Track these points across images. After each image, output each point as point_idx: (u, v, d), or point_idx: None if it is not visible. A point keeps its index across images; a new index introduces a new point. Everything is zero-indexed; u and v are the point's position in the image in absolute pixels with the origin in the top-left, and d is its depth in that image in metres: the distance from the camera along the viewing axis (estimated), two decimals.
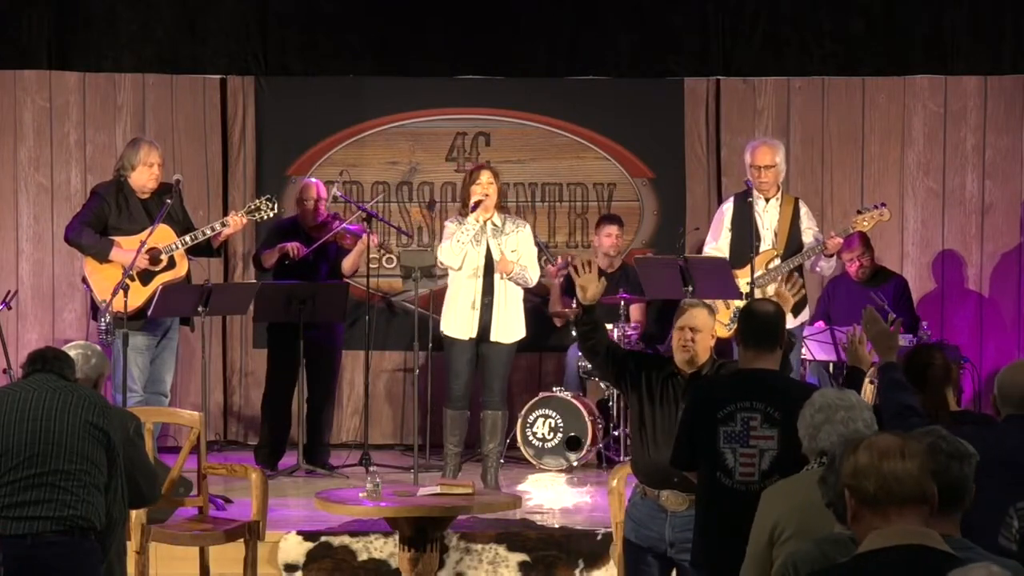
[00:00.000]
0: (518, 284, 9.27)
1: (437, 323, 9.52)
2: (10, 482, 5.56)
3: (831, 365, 10.06)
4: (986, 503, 4.23)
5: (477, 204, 9.15)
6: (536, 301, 11.33)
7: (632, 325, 10.36)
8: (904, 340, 9.80)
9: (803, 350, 9.84)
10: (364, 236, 10.08)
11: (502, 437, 9.40)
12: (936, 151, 11.30)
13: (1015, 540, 4.69)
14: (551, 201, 11.46)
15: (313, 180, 10.38)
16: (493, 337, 9.19)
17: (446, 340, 9.30)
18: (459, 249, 9.16)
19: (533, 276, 9.31)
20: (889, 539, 3.37)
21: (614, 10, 11.37)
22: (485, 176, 9.23)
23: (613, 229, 10.81)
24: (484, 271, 9.17)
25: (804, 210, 9.60)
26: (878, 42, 11.33)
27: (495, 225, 9.23)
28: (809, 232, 9.50)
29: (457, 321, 9.20)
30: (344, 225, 10.14)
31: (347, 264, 10.23)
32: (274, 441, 10.14)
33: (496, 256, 9.20)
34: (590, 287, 6.44)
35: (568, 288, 9.99)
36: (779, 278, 8.67)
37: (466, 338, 9.19)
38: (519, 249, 9.27)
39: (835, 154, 11.34)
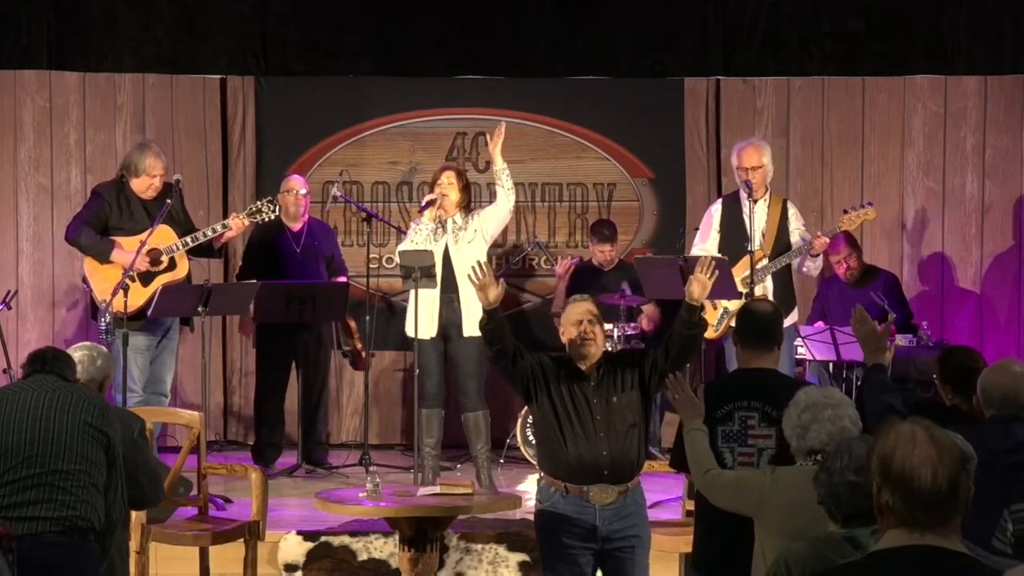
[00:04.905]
0: (500, 184, 9.18)
1: None
2: (9, 482, 5.56)
3: (831, 365, 10.05)
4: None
5: (428, 204, 9.20)
6: (537, 302, 11.34)
7: (632, 325, 10.34)
8: (904, 340, 9.80)
9: (800, 350, 9.84)
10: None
11: (487, 436, 9.37)
12: (936, 151, 11.30)
13: (1010, 543, 4.70)
14: (551, 201, 11.46)
15: (296, 175, 10.45)
16: (466, 333, 9.18)
17: (411, 341, 9.32)
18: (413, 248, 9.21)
19: (509, 194, 9.19)
20: (904, 538, 3.36)
21: (614, 10, 11.37)
22: (446, 177, 9.29)
23: (605, 247, 10.79)
24: (443, 269, 9.18)
25: (792, 211, 9.55)
26: (878, 42, 11.32)
27: (455, 223, 9.24)
28: (796, 233, 9.49)
29: (419, 321, 9.21)
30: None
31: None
32: (270, 441, 10.14)
33: (454, 257, 9.19)
34: (489, 291, 6.41)
35: (572, 289, 9.97)
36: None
37: (428, 337, 9.22)
38: (479, 220, 9.24)
39: (835, 154, 11.34)
